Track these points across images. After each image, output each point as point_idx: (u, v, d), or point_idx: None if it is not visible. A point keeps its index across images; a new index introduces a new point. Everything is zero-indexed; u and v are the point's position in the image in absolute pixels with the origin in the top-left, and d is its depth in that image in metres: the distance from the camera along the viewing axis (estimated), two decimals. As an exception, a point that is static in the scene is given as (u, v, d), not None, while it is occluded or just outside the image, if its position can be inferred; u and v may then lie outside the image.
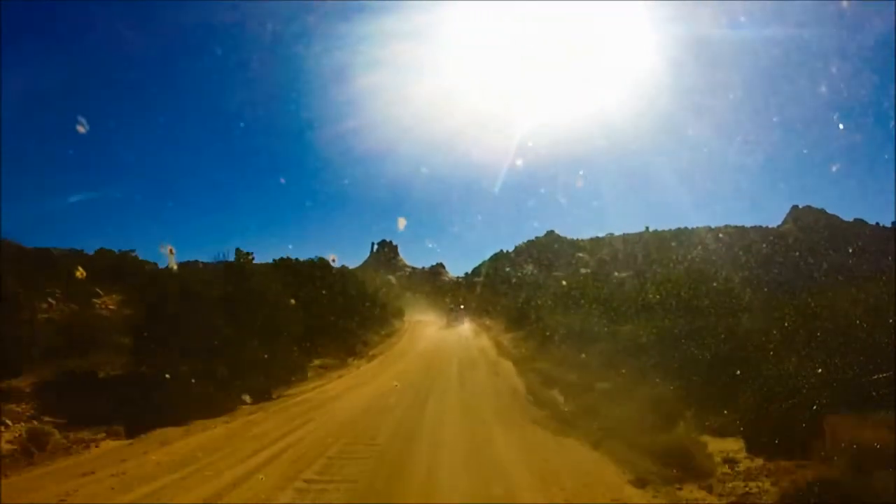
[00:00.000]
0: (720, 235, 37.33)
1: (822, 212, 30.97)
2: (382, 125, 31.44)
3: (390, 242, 72.41)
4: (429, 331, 35.11)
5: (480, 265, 50.43)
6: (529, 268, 43.36)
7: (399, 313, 42.02)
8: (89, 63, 28.78)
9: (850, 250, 30.26)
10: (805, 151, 35.99)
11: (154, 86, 32.71)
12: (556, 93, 27.90)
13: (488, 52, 27.12)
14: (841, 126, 23.99)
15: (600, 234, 42.76)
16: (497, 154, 33.22)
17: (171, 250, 19.49)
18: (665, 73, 22.39)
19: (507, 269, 41.61)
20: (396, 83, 25.64)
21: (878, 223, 28.74)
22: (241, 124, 37.95)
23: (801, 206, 32.73)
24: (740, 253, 33.12)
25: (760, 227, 35.84)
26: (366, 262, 74.12)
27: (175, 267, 18.93)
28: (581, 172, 33.31)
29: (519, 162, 27.98)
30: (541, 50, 26.05)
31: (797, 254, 32.24)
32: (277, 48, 27.24)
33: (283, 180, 48.91)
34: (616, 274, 36.09)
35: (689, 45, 20.71)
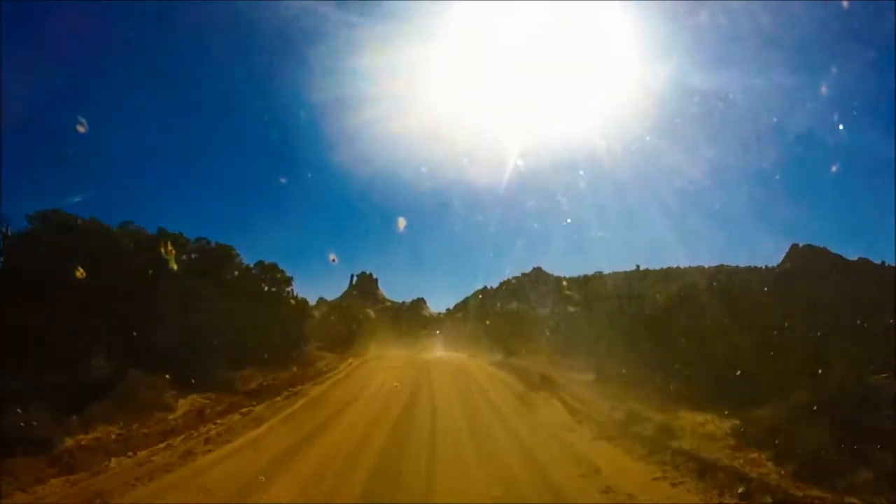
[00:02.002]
0: (717, 275, 35.62)
1: (825, 251, 29.20)
2: (370, 161, 30.79)
3: (370, 275, 70.09)
4: (380, 379, 19.90)
5: (463, 301, 48.26)
6: (514, 304, 41.10)
7: (345, 345, 32.89)
8: (89, 62, 28.74)
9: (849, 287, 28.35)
10: (806, 192, 35.12)
11: (153, 88, 31.89)
12: (545, 129, 26.91)
13: (475, 89, 26.36)
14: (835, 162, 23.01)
15: (588, 273, 40.69)
16: (483, 189, 31.47)
17: (170, 250, 19.19)
18: (657, 111, 21.63)
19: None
20: (386, 118, 25.19)
21: (883, 262, 27.20)
22: (235, 134, 36.52)
23: (801, 245, 30.92)
24: (736, 290, 31.41)
25: (758, 267, 34.09)
26: (345, 293, 71.50)
27: (175, 266, 18.99)
28: (568, 210, 31.73)
29: (505, 197, 26.89)
30: (530, 86, 25.09)
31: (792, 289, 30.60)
32: (268, 77, 27.69)
33: (283, 180, 47.02)
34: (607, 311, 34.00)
35: (681, 85, 20.19)
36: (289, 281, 28.46)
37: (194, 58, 31.88)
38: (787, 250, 33.42)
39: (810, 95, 21.34)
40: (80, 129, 17.12)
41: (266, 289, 26.22)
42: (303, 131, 36.89)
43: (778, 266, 32.75)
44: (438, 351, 41.35)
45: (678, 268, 39.77)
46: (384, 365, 27.07)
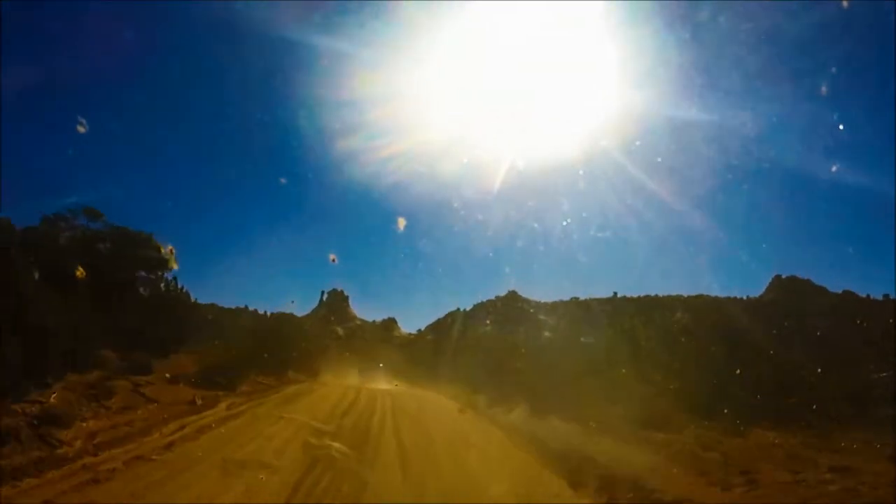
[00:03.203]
0: (695, 304, 34.69)
1: (808, 282, 28.52)
2: (343, 177, 30.17)
3: (341, 292, 67.90)
4: None
5: (435, 322, 46.52)
6: (488, 327, 39.46)
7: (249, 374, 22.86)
8: (89, 62, 27.90)
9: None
10: (792, 223, 34.87)
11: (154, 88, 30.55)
12: (530, 151, 26.34)
13: (457, 112, 25.40)
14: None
15: (565, 298, 39.41)
16: (460, 208, 30.48)
17: (171, 250, 17.95)
18: (638, 135, 21.01)
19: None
20: (374, 146, 24.79)
21: (868, 295, 26.77)
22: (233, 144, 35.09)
23: (784, 277, 30.22)
24: (720, 321, 30.45)
25: (740, 298, 33.31)
26: (315, 310, 69.19)
27: (176, 266, 18.34)
28: (543, 232, 30.99)
29: (481, 219, 26.14)
30: (518, 111, 24.29)
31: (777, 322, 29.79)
32: (262, 102, 27.06)
33: (283, 180, 46.61)
34: (582, 339, 32.60)
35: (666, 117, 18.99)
36: (164, 263, 18.90)
37: (188, 67, 31.03)
38: (769, 281, 33.05)
39: (797, 125, 21.33)
40: (80, 129, 16.86)
41: (128, 274, 18.28)
42: (283, 146, 36.04)
43: (761, 296, 32.18)
44: (399, 383, 32.27)
45: (657, 296, 38.93)
46: (258, 445, 12.82)
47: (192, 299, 22.60)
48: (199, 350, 22.04)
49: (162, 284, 19.07)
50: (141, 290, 18.60)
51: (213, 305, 41.59)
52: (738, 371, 14.95)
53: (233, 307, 45.78)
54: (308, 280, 71.84)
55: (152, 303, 17.74)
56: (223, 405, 16.68)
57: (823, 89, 18.20)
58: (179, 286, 20.67)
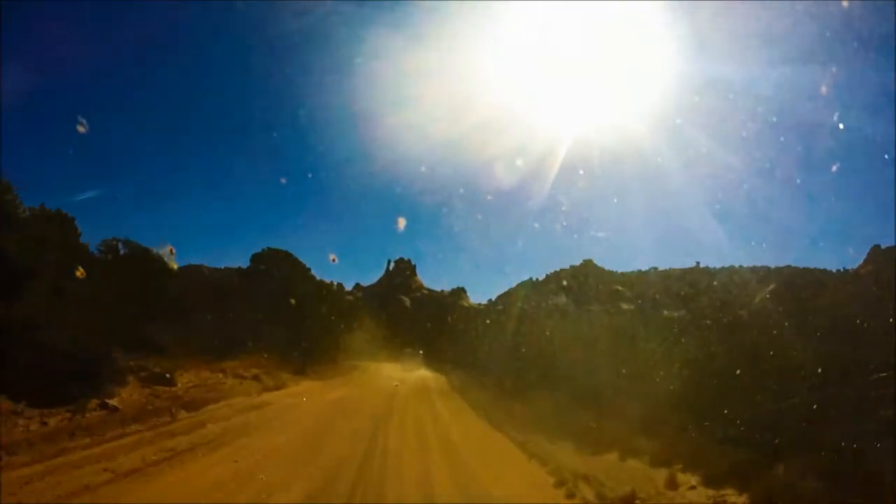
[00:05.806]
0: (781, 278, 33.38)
1: (899, 250, 26.74)
2: (409, 157, 30.47)
3: (408, 261, 68.95)
4: None
5: (506, 292, 46.74)
6: (563, 299, 39.42)
7: None
8: (90, 61, 29.09)
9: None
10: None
11: (155, 85, 31.84)
12: (588, 124, 26.10)
13: (515, 83, 25.36)
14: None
15: (643, 269, 38.86)
16: (527, 179, 30.28)
17: (171, 250, 18.49)
18: (703, 106, 20.27)
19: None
20: (420, 121, 25.34)
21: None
22: (253, 134, 36.26)
23: (883, 247, 28.45)
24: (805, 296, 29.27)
25: (833, 270, 31.70)
26: (380, 280, 70.70)
27: (175, 266, 17.46)
28: (617, 203, 30.58)
29: (550, 189, 26.03)
30: (570, 78, 24.03)
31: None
32: (295, 79, 27.62)
33: (283, 180, 47.72)
34: (665, 312, 32.09)
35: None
36: None
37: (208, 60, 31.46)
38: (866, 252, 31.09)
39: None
40: (81, 129, 16.35)
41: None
42: (344, 128, 36.42)
43: (858, 268, 30.51)
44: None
45: (741, 267, 37.61)
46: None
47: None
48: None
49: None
50: None
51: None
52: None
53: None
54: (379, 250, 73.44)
55: None
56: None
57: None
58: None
